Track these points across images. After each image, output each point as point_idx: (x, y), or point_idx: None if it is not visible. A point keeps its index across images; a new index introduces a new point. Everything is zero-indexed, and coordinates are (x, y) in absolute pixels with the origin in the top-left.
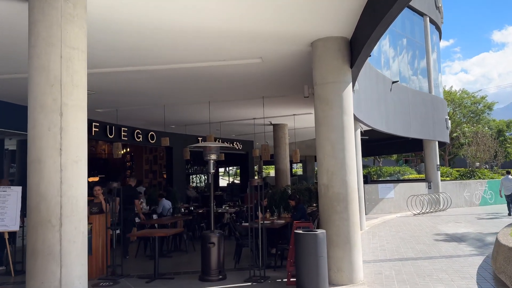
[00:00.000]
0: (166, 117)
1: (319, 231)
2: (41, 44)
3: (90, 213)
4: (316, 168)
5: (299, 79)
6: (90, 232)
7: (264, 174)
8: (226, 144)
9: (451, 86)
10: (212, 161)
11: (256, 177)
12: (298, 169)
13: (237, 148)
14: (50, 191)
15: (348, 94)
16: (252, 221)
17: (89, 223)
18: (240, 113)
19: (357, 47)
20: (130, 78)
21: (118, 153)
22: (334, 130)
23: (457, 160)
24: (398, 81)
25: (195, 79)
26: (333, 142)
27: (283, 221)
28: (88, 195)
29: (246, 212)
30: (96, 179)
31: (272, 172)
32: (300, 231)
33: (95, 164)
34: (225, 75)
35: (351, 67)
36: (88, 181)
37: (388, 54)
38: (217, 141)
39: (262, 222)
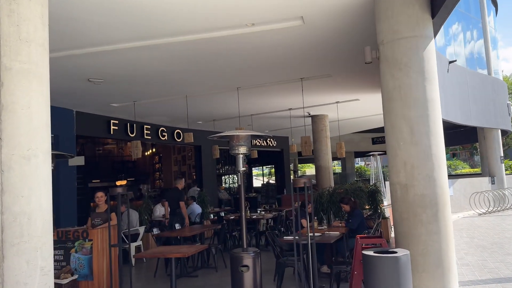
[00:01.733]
0: (190, 111)
1: (401, 252)
2: None
3: (93, 226)
4: (356, 165)
5: (350, 47)
6: (90, 251)
7: (299, 173)
8: (257, 133)
9: (502, 71)
10: (241, 155)
11: (292, 176)
12: (335, 166)
13: (271, 144)
14: None
15: (431, 53)
16: (299, 235)
17: (89, 240)
18: (274, 102)
19: None
20: (140, 59)
21: (137, 152)
22: (413, 105)
23: (510, 151)
24: (455, 60)
25: (217, 58)
26: (413, 123)
27: (337, 232)
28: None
29: (286, 218)
30: (123, 182)
31: (308, 171)
32: (372, 253)
33: (122, 167)
34: (254, 49)
35: (433, 16)
36: (116, 184)
37: (439, 37)
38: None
39: (312, 235)
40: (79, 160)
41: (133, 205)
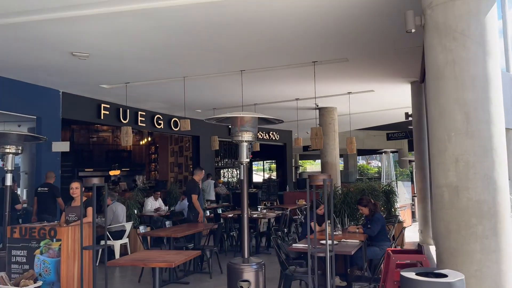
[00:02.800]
0: (188, 97)
1: (454, 276)
2: None
3: (66, 222)
4: (359, 163)
5: (378, 19)
6: (58, 253)
7: (301, 169)
8: (265, 115)
9: None
10: (245, 143)
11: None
12: None
13: (273, 137)
14: None
15: (493, 21)
16: (312, 243)
17: (57, 239)
18: (280, 90)
19: None
20: (130, 29)
21: (127, 140)
22: (471, 85)
23: None
24: None
25: (220, 32)
26: (469, 108)
27: (356, 240)
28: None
29: (290, 218)
30: (117, 172)
31: (309, 168)
32: (413, 275)
33: (117, 156)
34: (262, 22)
35: None
36: (109, 174)
37: None
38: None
39: (330, 243)
40: (63, 146)
41: (121, 198)
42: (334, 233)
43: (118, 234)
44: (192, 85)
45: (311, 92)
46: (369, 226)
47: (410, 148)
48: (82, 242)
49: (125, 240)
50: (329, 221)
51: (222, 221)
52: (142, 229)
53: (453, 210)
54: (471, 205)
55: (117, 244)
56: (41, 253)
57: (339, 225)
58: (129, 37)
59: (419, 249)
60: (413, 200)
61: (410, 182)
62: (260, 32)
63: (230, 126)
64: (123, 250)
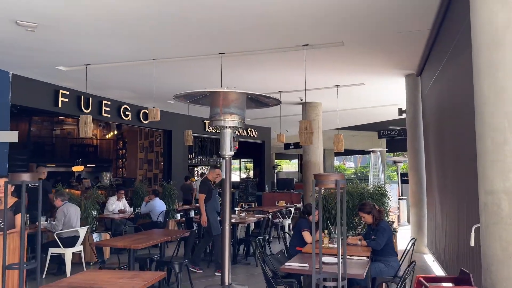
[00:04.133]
0: (160, 85)
1: None
2: None
3: None
4: (337, 163)
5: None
6: None
7: (277, 169)
8: (254, 92)
9: None
10: (229, 130)
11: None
12: None
13: (252, 134)
14: None
15: None
16: (317, 265)
17: None
18: (263, 80)
19: None
20: None
21: (87, 130)
22: None
23: None
24: None
25: (197, 3)
26: None
27: (364, 258)
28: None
29: (272, 223)
30: (80, 168)
31: (285, 167)
32: None
33: (82, 151)
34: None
35: None
36: (73, 170)
37: None
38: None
39: (342, 262)
40: (10, 136)
41: (75, 197)
42: (331, 246)
43: (71, 241)
44: (164, 70)
45: (295, 84)
46: (373, 237)
47: (390, 149)
48: (5, 260)
49: (78, 248)
50: (325, 231)
51: (195, 226)
52: (95, 237)
53: (506, 225)
54: None
55: (68, 253)
56: None
57: (335, 235)
58: (86, 5)
59: (463, 276)
60: (398, 203)
61: (395, 185)
62: (243, 7)
63: (205, 121)
64: (78, 259)
